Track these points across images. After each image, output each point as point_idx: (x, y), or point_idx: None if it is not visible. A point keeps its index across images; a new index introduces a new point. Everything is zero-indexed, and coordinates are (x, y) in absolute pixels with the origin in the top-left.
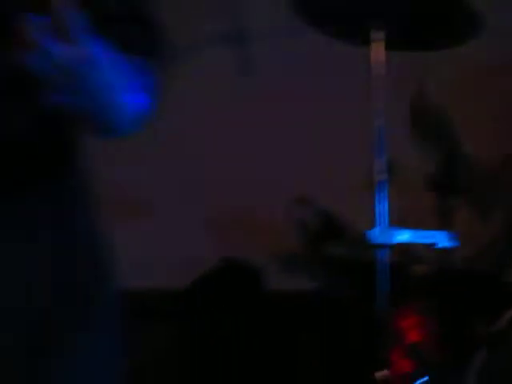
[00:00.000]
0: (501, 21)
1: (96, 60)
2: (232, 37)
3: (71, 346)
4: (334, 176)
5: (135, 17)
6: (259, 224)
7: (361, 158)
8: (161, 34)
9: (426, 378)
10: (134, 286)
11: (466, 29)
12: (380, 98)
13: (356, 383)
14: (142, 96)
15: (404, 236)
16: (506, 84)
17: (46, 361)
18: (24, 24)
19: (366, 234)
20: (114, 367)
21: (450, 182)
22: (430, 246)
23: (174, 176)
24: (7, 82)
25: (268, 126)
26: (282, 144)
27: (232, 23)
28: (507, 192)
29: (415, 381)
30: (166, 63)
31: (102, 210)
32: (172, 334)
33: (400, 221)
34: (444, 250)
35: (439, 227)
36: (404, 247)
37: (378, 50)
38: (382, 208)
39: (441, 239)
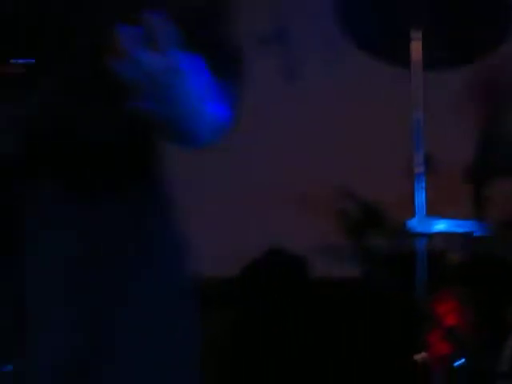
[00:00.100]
0: None
1: (182, 71)
2: (274, 40)
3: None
4: (376, 168)
5: (217, 31)
6: (305, 214)
7: (401, 151)
8: (239, 49)
9: (462, 360)
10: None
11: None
12: (419, 93)
13: (397, 365)
14: (221, 108)
15: (442, 225)
16: None
17: None
18: (117, 33)
19: (405, 224)
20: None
21: (486, 173)
22: (467, 235)
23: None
24: (99, 87)
25: (313, 122)
26: (326, 139)
27: (273, 25)
28: None
29: (453, 362)
30: (242, 77)
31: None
32: (227, 320)
33: (438, 211)
34: (480, 238)
35: (475, 217)
36: (442, 236)
37: (417, 49)
38: (421, 198)
39: (477, 228)
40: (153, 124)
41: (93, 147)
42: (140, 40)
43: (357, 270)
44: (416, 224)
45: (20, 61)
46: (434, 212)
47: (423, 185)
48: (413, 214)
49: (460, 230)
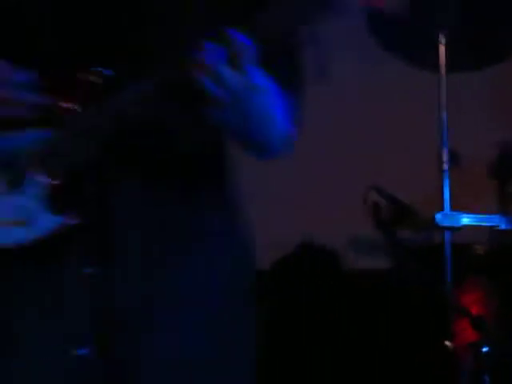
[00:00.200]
0: None
1: (259, 87)
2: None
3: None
4: (405, 165)
5: (289, 51)
6: (338, 209)
7: (428, 150)
8: (303, 65)
9: (488, 348)
10: None
11: None
12: (444, 94)
13: (428, 351)
14: (290, 122)
15: (467, 219)
16: None
17: None
18: (202, 50)
19: (433, 218)
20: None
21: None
22: (491, 228)
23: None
24: (185, 98)
25: (345, 120)
26: (359, 138)
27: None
28: None
29: (479, 349)
30: (304, 92)
31: None
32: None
33: (464, 205)
34: (504, 232)
35: (499, 211)
36: (467, 229)
37: (443, 51)
38: (448, 194)
39: (501, 222)
40: (228, 133)
41: (170, 152)
42: (223, 56)
43: (388, 262)
44: (443, 218)
45: (101, 70)
46: (461, 207)
47: (449, 181)
48: (440, 209)
49: (485, 223)
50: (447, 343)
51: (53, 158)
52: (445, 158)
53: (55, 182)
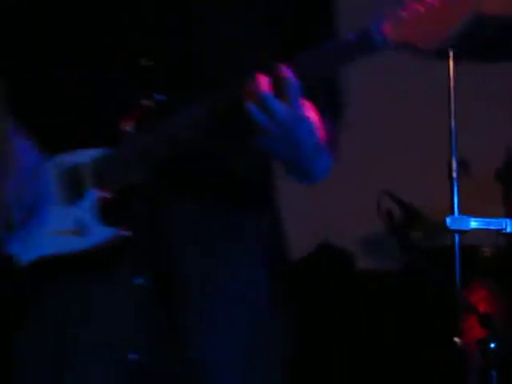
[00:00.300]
0: None
1: (305, 120)
2: None
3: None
4: (416, 171)
5: (335, 88)
6: (352, 213)
7: (438, 156)
8: (343, 95)
9: (495, 344)
10: None
11: None
12: (454, 102)
13: (438, 347)
14: (330, 151)
15: (475, 223)
16: None
17: None
18: (254, 79)
19: (442, 222)
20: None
21: None
22: (498, 232)
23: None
24: (235, 125)
25: (357, 128)
26: (372, 144)
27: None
28: None
29: (486, 345)
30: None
31: None
32: None
33: (472, 209)
34: (510, 235)
35: (506, 215)
36: (475, 232)
37: (452, 64)
38: (457, 199)
39: (507, 225)
40: (276, 160)
41: (222, 176)
42: (274, 89)
43: (400, 263)
44: (452, 222)
45: (153, 94)
46: (469, 211)
47: (458, 187)
48: (450, 213)
49: (492, 227)
50: (456, 340)
51: (108, 175)
52: (454, 166)
53: (109, 197)
